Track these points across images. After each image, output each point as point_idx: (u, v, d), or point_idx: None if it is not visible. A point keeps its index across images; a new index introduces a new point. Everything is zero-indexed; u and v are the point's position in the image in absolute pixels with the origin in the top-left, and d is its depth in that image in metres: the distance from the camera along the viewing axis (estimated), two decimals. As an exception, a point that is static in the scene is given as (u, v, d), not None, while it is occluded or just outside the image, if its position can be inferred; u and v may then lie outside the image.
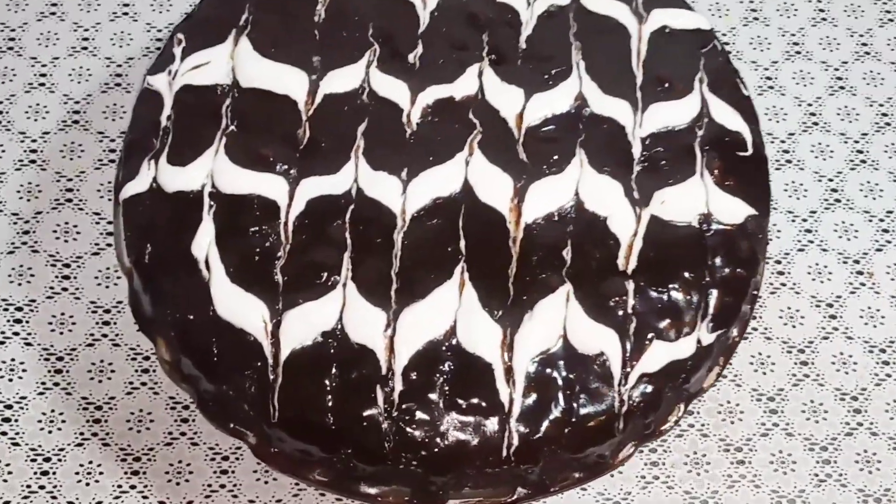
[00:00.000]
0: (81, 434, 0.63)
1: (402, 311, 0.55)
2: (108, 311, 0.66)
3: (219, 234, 0.56)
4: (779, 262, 0.68)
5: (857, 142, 0.72)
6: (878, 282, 0.68)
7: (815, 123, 0.73)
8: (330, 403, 0.54)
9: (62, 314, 0.66)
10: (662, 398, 0.55)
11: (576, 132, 0.59)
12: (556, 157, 0.59)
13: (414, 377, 0.54)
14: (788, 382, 0.65)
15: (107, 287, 0.67)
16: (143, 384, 0.64)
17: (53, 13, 0.75)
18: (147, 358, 0.65)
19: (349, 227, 0.57)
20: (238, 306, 0.55)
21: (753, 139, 0.61)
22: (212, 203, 0.57)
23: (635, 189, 0.58)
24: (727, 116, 0.61)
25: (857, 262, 0.68)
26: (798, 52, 0.75)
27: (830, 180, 0.71)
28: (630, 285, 0.56)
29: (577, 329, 0.55)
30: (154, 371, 0.65)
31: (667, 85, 0.61)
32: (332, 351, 0.54)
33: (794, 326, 0.66)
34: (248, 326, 0.55)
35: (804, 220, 0.69)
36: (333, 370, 0.54)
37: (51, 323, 0.66)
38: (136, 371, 0.65)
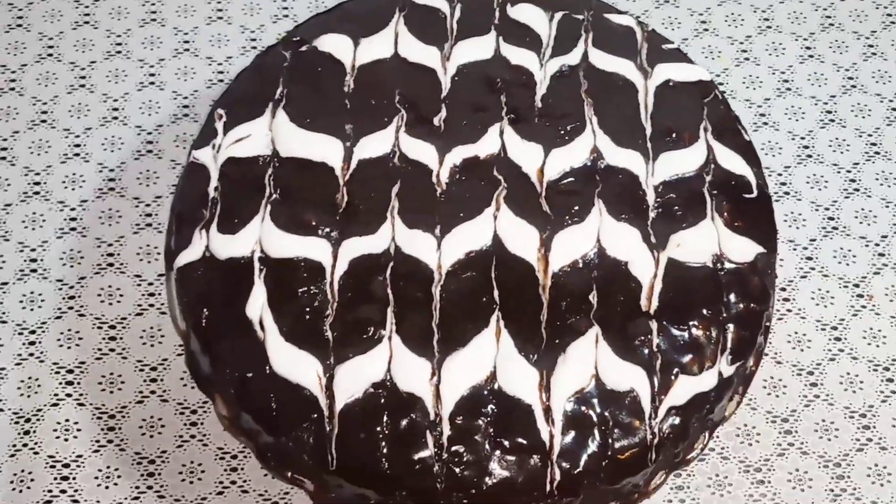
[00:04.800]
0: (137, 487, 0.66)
1: (445, 360, 0.57)
2: (154, 369, 0.68)
3: (270, 296, 0.59)
4: (784, 290, 0.70)
5: (849, 171, 0.74)
6: (877, 304, 0.70)
7: (809, 156, 0.76)
8: (384, 450, 0.56)
9: (111, 374, 0.67)
10: (689, 428, 0.58)
11: (593, 183, 0.62)
12: (576, 208, 0.61)
13: (460, 421, 0.57)
14: (800, 403, 0.67)
15: (152, 346, 0.69)
16: (193, 437, 0.66)
17: (83, 85, 0.76)
18: (195, 412, 0.67)
19: (390, 284, 0.59)
20: (293, 363, 0.57)
21: (757, 181, 0.64)
22: (262, 267, 0.60)
23: (652, 234, 0.61)
24: (732, 161, 0.64)
25: (856, 285, 0.71)
26: (788, 89, 0.77)
27: (827, 209, 0.74)
28: (654, 325, 0.59)
29: (607, 368, 0.58)
30: (202, 424, 0.67)
31: (674, 135, 0.64)
32: (382, 401, 0.57)
33: (802, 350, 0.69)
34: (303, 382, 0.57)
35: (805, 248, 0.72)
36: (385, 418, 0.57)
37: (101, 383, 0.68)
38: (185, 425, 0.67)
